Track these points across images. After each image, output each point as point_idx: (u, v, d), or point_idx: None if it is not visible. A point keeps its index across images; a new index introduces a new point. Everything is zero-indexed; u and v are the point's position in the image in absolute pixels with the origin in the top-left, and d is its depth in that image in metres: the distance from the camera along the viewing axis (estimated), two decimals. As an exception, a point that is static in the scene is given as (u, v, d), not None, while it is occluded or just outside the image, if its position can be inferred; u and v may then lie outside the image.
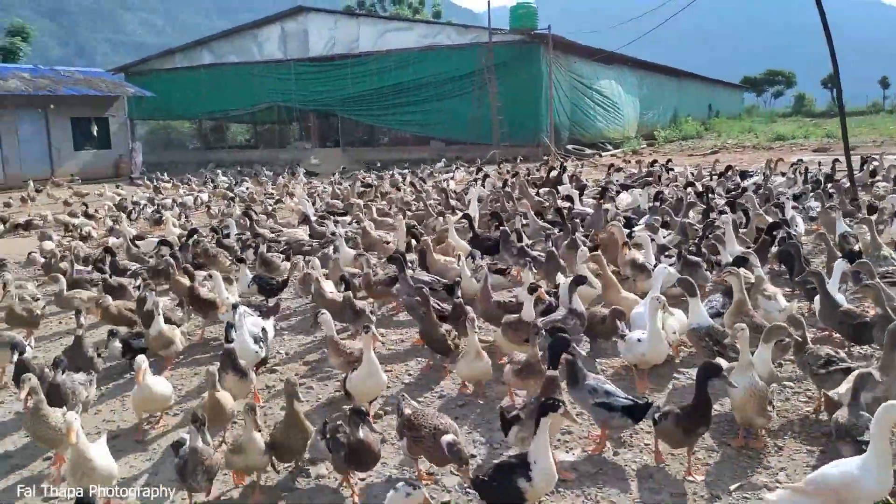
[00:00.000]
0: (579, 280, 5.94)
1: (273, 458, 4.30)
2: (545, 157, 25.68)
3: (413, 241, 9.40)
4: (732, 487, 3.93)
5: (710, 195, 11.27)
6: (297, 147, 34.48)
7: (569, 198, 11.57)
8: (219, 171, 26.09)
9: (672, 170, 16.56)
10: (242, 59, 33.83)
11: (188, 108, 34.94)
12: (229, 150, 37.32)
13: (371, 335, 4.90)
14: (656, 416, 4.18)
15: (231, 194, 18.25)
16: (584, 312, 5.80)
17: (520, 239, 8.59)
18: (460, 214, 10.70)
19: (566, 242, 8.20)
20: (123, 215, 15.16)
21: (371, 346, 4.89)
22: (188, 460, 3.88)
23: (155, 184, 22.10)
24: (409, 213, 12.14)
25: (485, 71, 28.01)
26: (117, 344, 6.20)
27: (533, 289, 5.94)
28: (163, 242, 9.66)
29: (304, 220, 11.30)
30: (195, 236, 10.14)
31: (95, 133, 29.67)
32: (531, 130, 28.19)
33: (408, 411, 4.25)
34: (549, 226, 9.77)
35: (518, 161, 23.40)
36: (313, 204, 14.13)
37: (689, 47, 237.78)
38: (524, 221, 9.92)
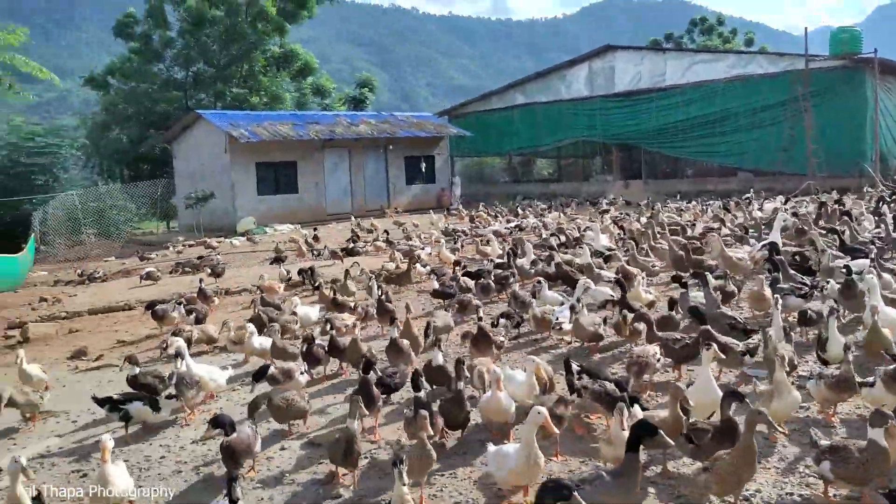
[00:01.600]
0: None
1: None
2: (868, 189, 23.86)
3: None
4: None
5: None
6: (598, 180, 35.78)
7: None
8: (520, 203, 28.40)
9: None
10: (551, 98, 36.09)
11: (501, 144, 38.10)
12: (535, 182, 39.92)
13: (713, 351, 5.31)
14: None
15: (539, 224, 20.10)
16: None
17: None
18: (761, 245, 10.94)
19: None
20: (443, 240, 17.62)
21: (709, 363, 5.35)
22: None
23: (471, 213, 24.91)
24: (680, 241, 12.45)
25: (800, 99, 26.78)
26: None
27: None
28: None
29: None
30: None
31: (423, 169, 33.86)
32: (851, 160, 26.26)
33: (825, 441, 4.35)
34: (842, 255, 9.67)
35: (868, 192, 22.07)
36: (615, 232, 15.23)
37: None
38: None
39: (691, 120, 30.91)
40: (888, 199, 17.28)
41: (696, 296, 8.27)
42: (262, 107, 37.19)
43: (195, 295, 11.75)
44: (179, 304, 10.27)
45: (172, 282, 15.95)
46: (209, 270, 15.52)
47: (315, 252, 18.25)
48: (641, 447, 3.97)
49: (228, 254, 20.51)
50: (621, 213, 21.69)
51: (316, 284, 11.52)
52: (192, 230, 27.45)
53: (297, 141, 28.55)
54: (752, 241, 12.67)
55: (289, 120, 30.43)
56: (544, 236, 16.45)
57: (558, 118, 35.33)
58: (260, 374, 6.38)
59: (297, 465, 5.43)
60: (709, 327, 6.55)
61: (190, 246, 23.06)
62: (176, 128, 30.79)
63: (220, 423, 4.83)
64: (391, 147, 32.18)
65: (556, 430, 4.35)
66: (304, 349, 7.41)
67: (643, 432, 3.86)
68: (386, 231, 20.51)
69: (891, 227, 11.59)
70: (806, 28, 26.63)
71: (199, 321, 9.76)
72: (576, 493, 3.36)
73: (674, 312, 7.74)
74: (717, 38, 58.17)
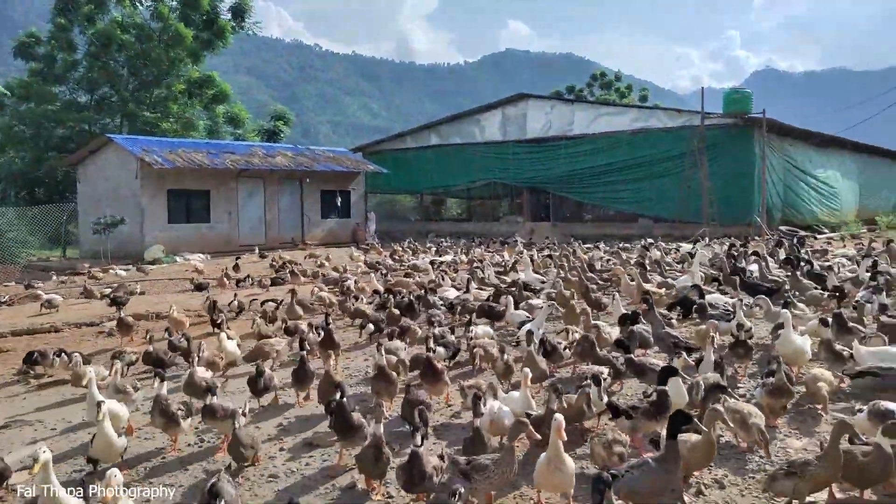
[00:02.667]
0: None
1: None
2: (756, 238, 25.93)
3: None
4: None
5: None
6: (509, 221, 37.02)
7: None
8: (431, 240, 29.23)
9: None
10: (465, 140, 37.28)
11: (415, 183, 38.88)
12: (447, 221, 40.86)
13: (683, 359, 6.19)
14: None
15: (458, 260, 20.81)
16: None
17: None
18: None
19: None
20: (372, 273, 18.01)
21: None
22: None
23: (392, 249, 25.42)
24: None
25: (696, 153, 28.86)
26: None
27: None
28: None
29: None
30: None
31: (339, 204, 34.00)
32: (741, 211, 28.44)
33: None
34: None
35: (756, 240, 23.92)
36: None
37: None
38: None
39: (597, 168, 32.68)
40: (787, 243, 19.00)
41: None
42: (173, 134, 36.45)
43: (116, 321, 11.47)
44: (59, 354, 8.94)
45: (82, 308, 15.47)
46: (109, 301, 14.41)
47: (237, 282, 18.05)
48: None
49: (144, 281, 19.97)
50: (550, 248, 22.97)
51: (218, 321, 10.22)
52: (96, 256, 26.39)
53: (211, 169, 28.13)
54: (655, 275, 13.77)
55: (203, 148, 29.98)
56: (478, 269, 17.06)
57: (472, 160, 36.50)
58: (211, 391, 6.18)
59: (315, 469, 5.58)
60: (632, 356, 7.23)
61: (77, 274, 22.18)
62: (82, 151, 29.65)
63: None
64: (308, 180, 32.19)
65: (538, 436, 4.69)
66: (254, 378, 7.03)
67: (682, 421, 4.35)
68: (293, 262, 20.65)
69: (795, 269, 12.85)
70: (703, 88, 28.95)
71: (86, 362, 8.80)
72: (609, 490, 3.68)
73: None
74: (615, 93, 61.65)
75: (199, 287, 17.08)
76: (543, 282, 13.87)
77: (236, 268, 20.40)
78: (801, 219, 31.16)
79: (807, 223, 31.01)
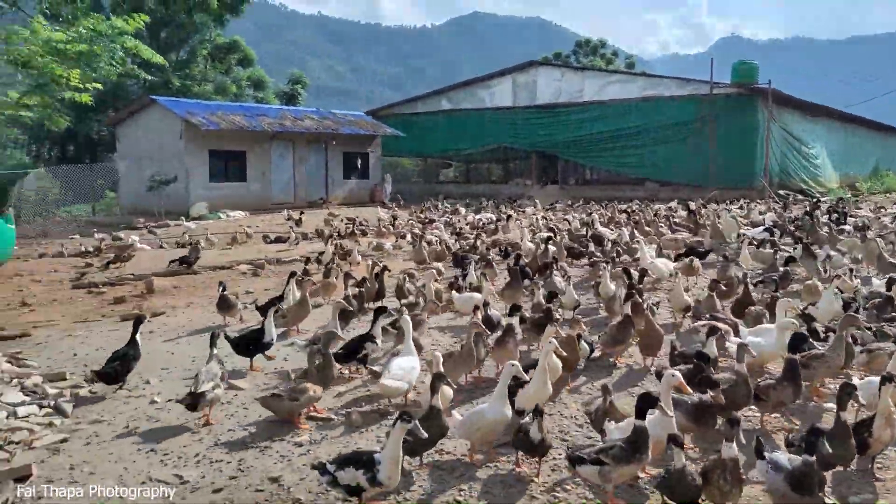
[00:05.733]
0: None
1: None
2: (758, 201, 28.29)
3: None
4: None
5: None
6: (518, 183, 38.98)
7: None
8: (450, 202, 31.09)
9: None
10: (475, 105, 39.03)
11: (427, 146, 40.58)
12: (448, 184, 42.68)
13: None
14: None
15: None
16: None
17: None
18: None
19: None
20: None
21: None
22: None
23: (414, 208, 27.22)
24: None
25: (707, 120, 31.07)
26: None
27: None
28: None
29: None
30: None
31: (359, 165, 35.61)
32: (745, 175, 30.80)
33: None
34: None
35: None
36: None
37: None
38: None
39: (606, 133, 34.78)
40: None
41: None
42: (205, 98, 37.34)
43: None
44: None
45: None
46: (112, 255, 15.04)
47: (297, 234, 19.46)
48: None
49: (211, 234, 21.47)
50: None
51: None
52: (136, 213, 27.68)
53: (248, 132, 29.54)
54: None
55: (239, 111, 31.27)
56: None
57: (482, 125, 38.31)
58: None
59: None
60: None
61: (133, 228, 23.04)
62: (123, 112, 30.74)
63: None
64: (333, 142, 33.70)
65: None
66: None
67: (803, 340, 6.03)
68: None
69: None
70: (712, 59, 31.16)
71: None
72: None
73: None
74: (601, 60, 63.34)
75: (279, 240, 19.01)
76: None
77: (299, 222, 22.20)
78: (794, 184, 33.64)
79: (799, 188, 33.55)
